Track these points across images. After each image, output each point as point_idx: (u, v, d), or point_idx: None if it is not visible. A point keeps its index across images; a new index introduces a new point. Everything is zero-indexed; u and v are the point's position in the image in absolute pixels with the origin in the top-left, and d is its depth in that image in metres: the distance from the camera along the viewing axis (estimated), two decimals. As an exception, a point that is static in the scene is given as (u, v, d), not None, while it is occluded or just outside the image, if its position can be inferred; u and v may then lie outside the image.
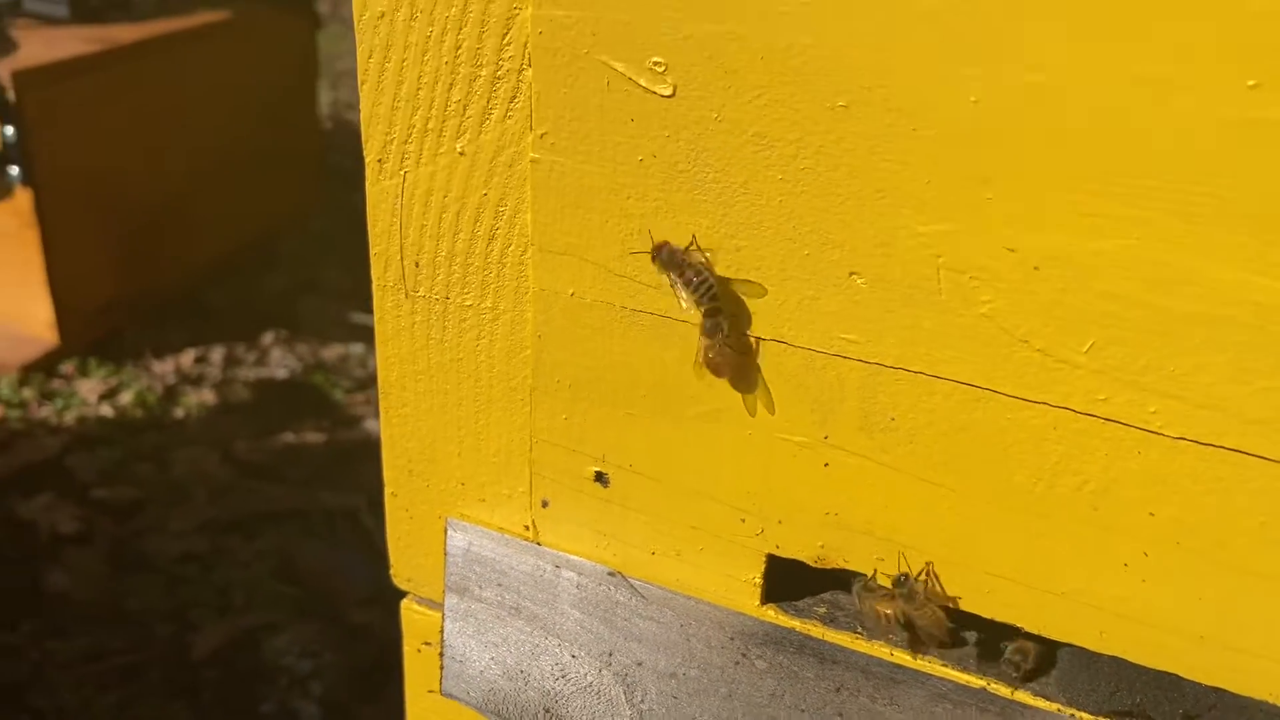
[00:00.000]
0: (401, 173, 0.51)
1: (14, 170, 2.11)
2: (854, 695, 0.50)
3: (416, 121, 0.50)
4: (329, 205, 3.11)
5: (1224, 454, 0.41)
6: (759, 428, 0.49)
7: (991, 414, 0.44)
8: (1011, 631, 0.48)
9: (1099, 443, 0.43)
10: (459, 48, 0.47)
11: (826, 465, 0.48)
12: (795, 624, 0.51)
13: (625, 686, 0.54)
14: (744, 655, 0.51)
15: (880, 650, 0.50)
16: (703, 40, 0.42)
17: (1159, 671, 0.46)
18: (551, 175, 0.48)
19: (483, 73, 0.47)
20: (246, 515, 1.97)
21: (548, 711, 0.56)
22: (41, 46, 2.23)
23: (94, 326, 2.40)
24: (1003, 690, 0.48)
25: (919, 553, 0.48)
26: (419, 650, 0.62)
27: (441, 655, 0.58)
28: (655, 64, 0.43)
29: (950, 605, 0.48)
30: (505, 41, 0.46)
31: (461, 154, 0.49)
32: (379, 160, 0.52)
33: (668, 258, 0.46)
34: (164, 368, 2.41)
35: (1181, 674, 0.45)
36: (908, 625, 0.49)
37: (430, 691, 0.62)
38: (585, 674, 0.54)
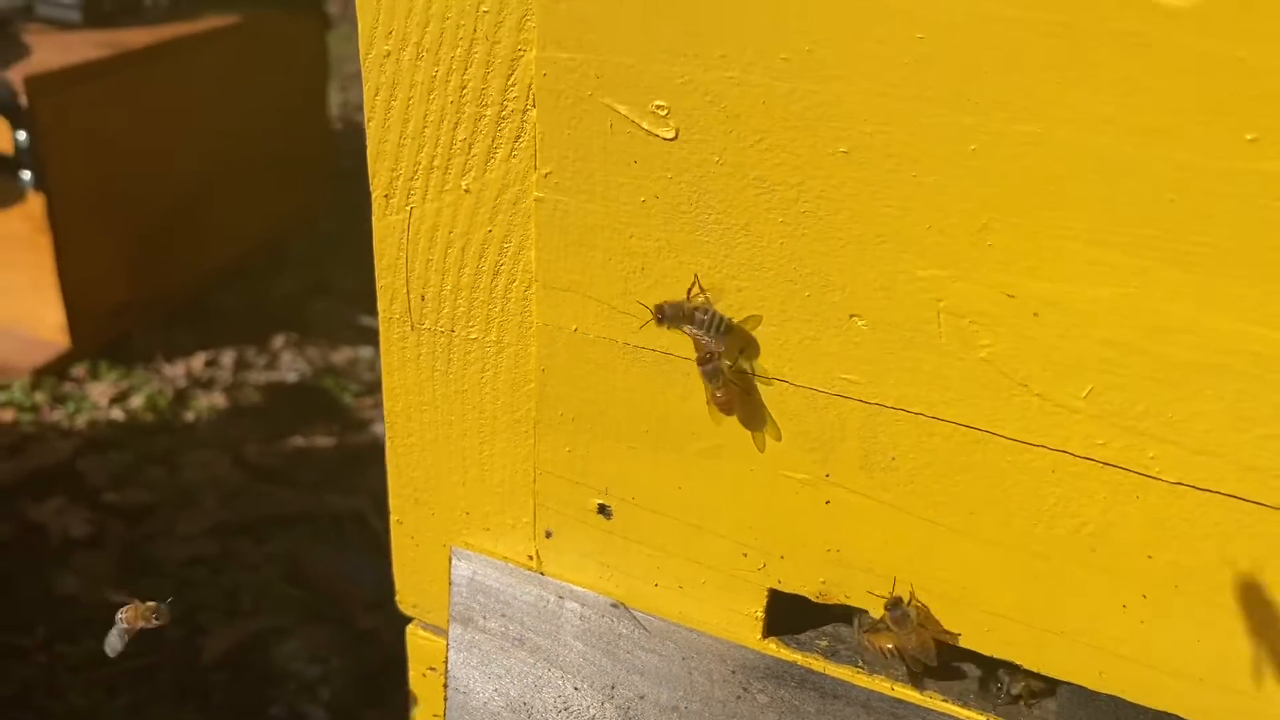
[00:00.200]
0: (408, 208, 0.52)
1: (26, 175, 2.11)
2: (854, 728, 0.50)
3: (423, 159, 0.50)
4: (338, 207, 3.12)
5: (1221, 499, 0.41)
6: (761, 464, 0.49)
7: (991, 456, 0.44)
8: (1012, 665, 0.49)
9: (1098, 486, 0.43)
10: (464, 88, 0.47)
11: (828, 503, 0.48)
12: (797, 657, 0.52)
13: None
14: (745, 689, 0.52)
15: (881, 685, 0.50)
16: (705, 85, 0.42)
17: (1158, 711, 0.46)
18: (555, 214, 0.48)
19: (488, 112, 0.47)
20: (256, 518, 1.98)
21: (551, 739, 0.57)
22: (53, 51, 2.24)
23: (105, 330, 2.41)
24: (1002, 726, 0.48)
25: (920, 591, 0.48)
26: (424, 675, 0.63)
27: (446, 686, 0.58)
28: (658, 107, 0.44)
29: (944, 635, 0.48)
30: (510, 82, 0.46)
31: (467, 191, 0.50)
32: (385, 195, 0.52)
33: (671, 313, 0.46)
34: (175, 371, 2.42)
35: (1181, 715, 0.45)
36: (899, 652, 0.49)
37: (435, 716, 0.63)
38: (588, 707, 0.54)
